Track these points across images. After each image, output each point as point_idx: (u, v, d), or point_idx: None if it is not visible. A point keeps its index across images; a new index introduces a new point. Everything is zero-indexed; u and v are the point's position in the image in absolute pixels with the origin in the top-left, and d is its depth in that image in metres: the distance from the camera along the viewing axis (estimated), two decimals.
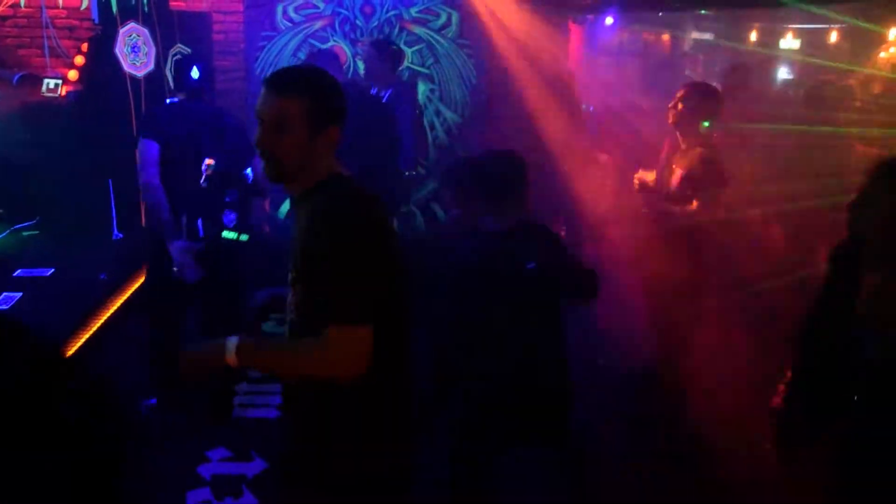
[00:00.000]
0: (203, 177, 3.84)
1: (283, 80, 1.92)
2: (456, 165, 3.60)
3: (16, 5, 5.16)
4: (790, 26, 10.73)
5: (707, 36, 10.64)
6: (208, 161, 3.85)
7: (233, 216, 4.00)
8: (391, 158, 5.14)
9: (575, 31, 8.14)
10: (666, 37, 10.38)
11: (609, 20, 7.71)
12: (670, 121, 4.29)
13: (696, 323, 4.20)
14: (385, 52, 5.69)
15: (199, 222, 3.85)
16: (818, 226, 3.78)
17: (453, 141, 7.82)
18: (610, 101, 7.29)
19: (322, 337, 1.82)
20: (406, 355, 2.04)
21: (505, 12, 8.12)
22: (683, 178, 4.17)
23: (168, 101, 3.93)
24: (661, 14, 8.75)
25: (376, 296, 1.85)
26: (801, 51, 10.59)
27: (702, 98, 4.24)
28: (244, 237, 4.01)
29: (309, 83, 1.93)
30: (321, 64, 4.83)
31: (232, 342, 1.87)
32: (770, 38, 10.65)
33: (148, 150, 3.78)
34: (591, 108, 7.75)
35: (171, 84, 6.66)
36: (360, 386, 1.87)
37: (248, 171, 4.03)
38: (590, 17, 7.87)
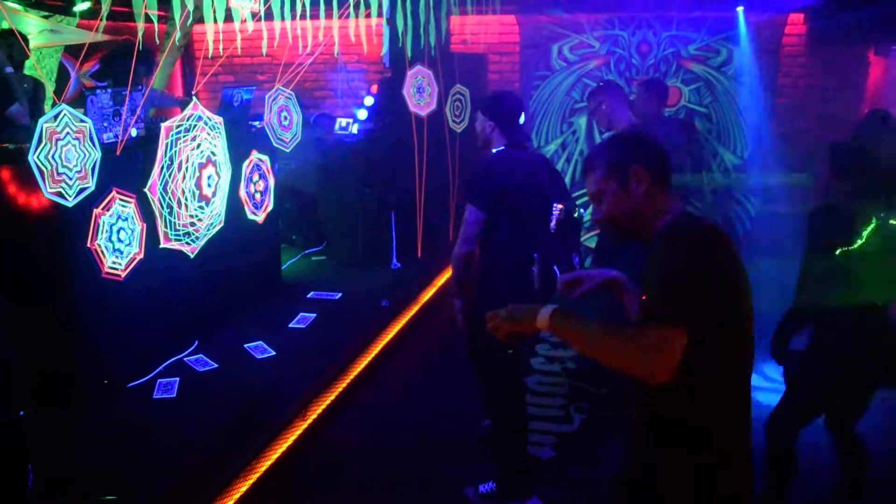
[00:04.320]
0: (554, 221, 3.78)
1: (585, 163, 2.21)
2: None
3: (313, 52, 5.65)
4: None
5: None
6: (559, 206, 3.84)
7: (576, 259, 3.98)
8: None
9: (877, 64, 7.39)
10: None
11: None
12: None
13: None
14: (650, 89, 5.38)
15: (556, 268, 3.68)
16: None
17: (730, 182, 7.39)
18: None
19: (639, 327, 1.83)
20: (746, 387, 1.98)
21: (791, 46, 7.61)
22: None
23: (494, 150, 3.80)
24: None
25: (700, 306, 1.81)
26: None
27: None
28: None
29: (598, 153, 2.17)
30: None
31: (549, 307, 1.90)
32: None
33: (475, 222, 3.50)
34: None
35: (451, 121, 7.02)
36: (699, 419, 1.91)
37: (584, 211, 3.94)
38: (895, 47, 7.10)
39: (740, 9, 7.04)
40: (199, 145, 4.69)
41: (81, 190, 3.75)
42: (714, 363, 1.86)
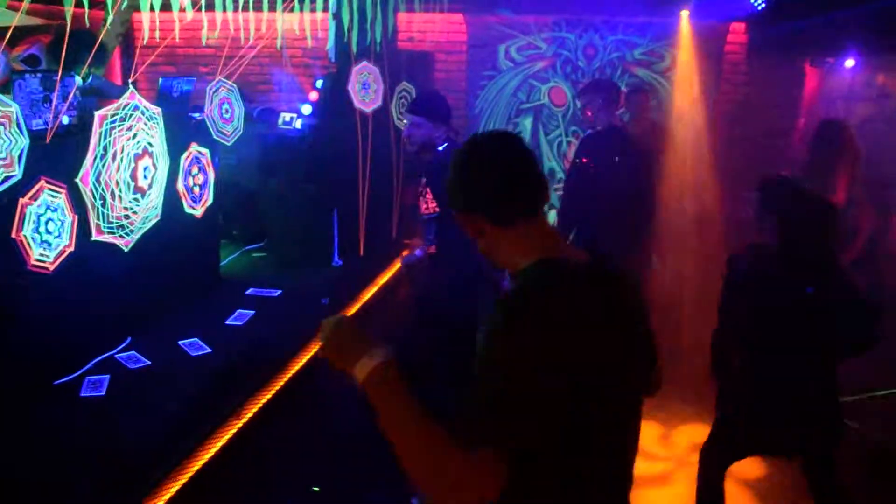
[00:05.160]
0: None
1: None
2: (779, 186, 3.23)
3: (255, 46, 5.53)
4: None
5: None
6: None
7: None
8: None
9: (813, 75, 7.58)
10: None
11: (850, 62, 7.09)
12: None
13: None
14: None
15: None
16: None
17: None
18: None
19: (461, 442, 1.42)
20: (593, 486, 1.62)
21: (732, 54, 7.77)
22: None
23: (440, 148, 3.82)
24: None
25: (529, 423, 1.43)
26: None
27: None
28: None
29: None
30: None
31: (378, 355, 1.50)
32: None
33: None
34: None
35: (396, 119, 6.95)
36: None
37: None
38: (829, 59, 7.29)
39: (684, 12, 7.13)
40: (135, 135, 4.54)
41: (7, 178, 3.59)
42: (554, 467, 1.52)
